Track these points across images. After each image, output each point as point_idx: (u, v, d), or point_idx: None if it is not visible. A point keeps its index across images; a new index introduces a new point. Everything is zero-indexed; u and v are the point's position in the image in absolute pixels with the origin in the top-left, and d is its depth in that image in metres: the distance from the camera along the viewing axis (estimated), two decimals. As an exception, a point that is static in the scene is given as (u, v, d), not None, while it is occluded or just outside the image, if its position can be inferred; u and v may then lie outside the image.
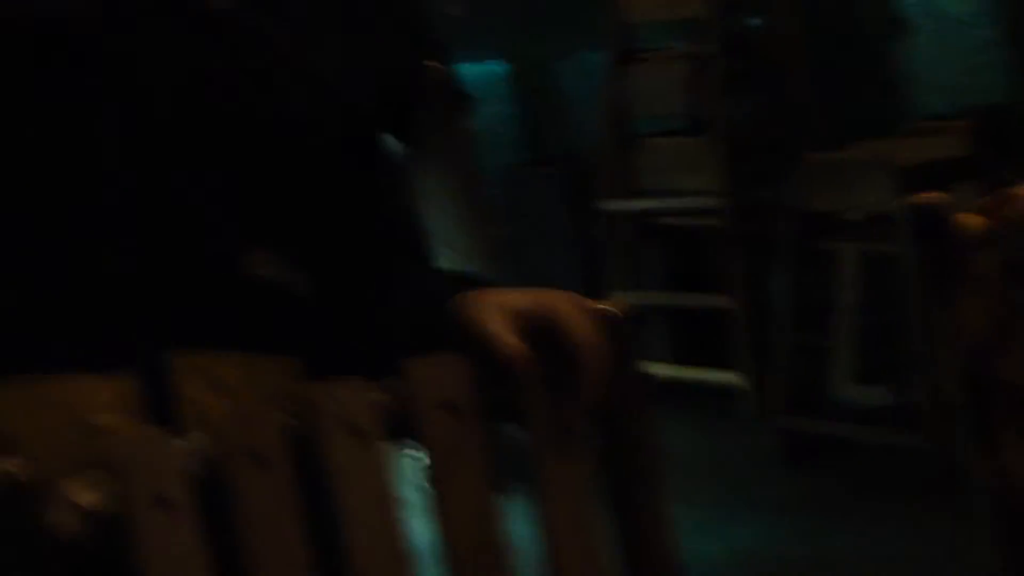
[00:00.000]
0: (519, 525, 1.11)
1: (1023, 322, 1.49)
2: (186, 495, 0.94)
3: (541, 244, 5.48)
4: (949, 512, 3.41)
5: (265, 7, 1.21)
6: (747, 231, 4.59)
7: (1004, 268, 1.48)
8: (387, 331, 1.22)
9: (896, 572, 3.43)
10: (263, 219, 1.20)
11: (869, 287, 4.33)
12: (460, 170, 4.73)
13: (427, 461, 1.10)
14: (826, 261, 4.40)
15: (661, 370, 4.58)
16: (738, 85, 4.79)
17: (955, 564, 3.29)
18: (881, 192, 3.90)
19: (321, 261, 1.22)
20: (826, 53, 4.96)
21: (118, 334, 1.12)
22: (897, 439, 4.05)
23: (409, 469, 1.16)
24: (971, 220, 1.46)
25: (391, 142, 1.33)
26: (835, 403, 4.36)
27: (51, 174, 1.14)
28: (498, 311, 1.10)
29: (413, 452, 1.11)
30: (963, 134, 4.12)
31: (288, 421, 1.01)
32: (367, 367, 1.08)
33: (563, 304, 1.12)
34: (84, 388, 1.06)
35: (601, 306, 1.12)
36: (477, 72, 5.77)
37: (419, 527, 1.07)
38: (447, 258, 1.52)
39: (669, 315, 4.98)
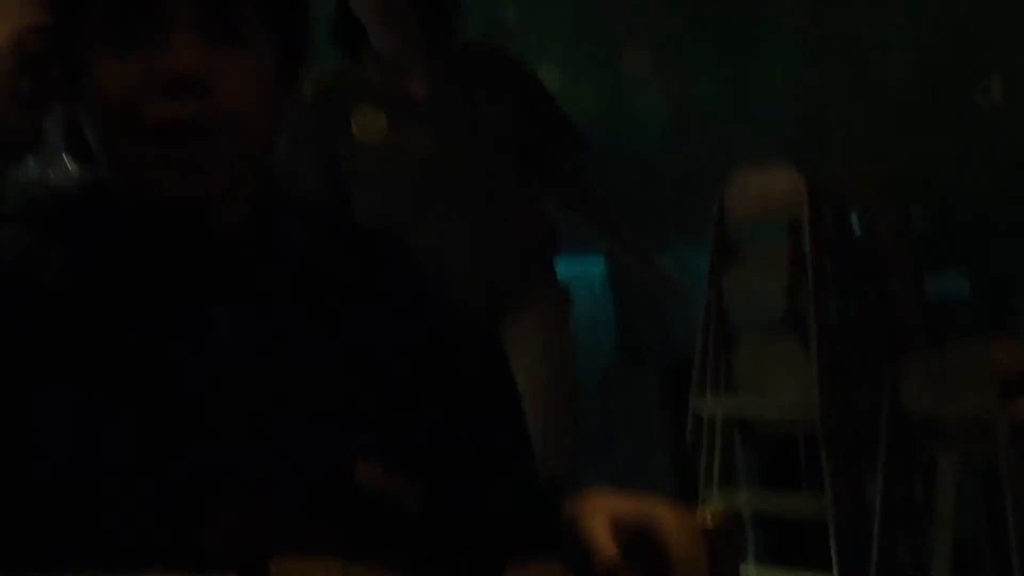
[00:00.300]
0: None
1: None
2: None
3: (635, 442, 5.60)
4: None
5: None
6: (844, 435, 4.55)
7: None
8: (490, 539, 1.25)
9: None
10: (375, 431, 1.25)
11: (968, 495, 4.35)
12: (553, 366, 4.50)
13: None
14: (925, 468, 4.40)
15: (751, 571, 4.63)
16: (838, 286, 4.82)
17: None
18: (982, 398, 3.87)
19: (429, 472, 1.26)
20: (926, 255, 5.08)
21: (224, 538, 1.15)
22: None
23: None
24: None
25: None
26: None
27: (172, 368, 1.20)
28: (601, 516, 1.14)
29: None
30: None
31: None
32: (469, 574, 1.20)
33: (666, 516, 1.15)
34: None
35: (704, 517, 1.18)
36: (574, 270, 5.92)
37: None
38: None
39: (760, 516, 4.95)
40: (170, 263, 1.25)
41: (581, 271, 6.18)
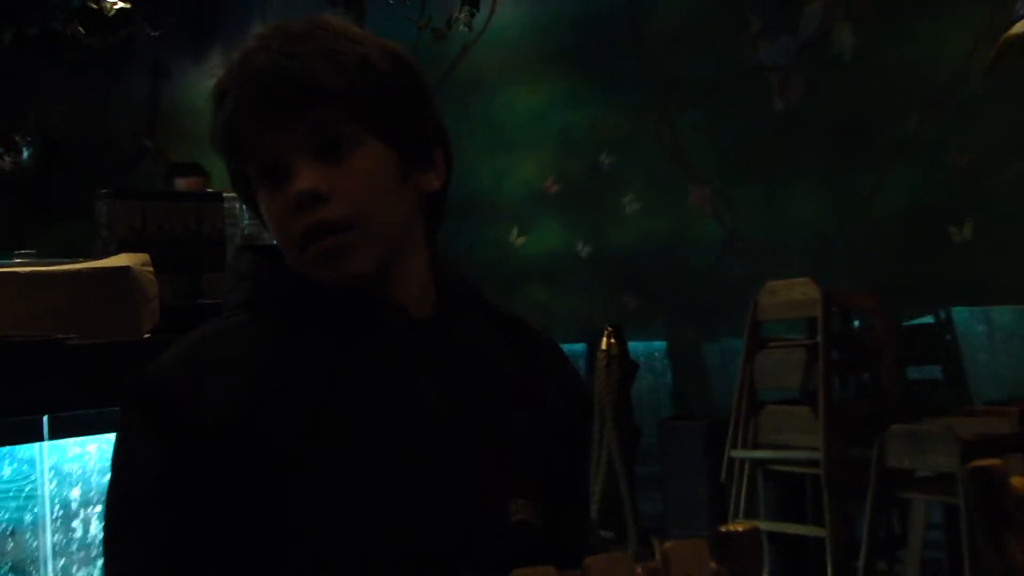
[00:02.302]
0: None
1: None
2: None
3: (683, 480, 5.85)
4: None
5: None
6: (841, 480, 4.85)
7: None
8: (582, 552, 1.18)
9: None
10: (524, 478, 1.32)
11: (934, 530, 4.59)
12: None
13: None
14: (902, 507, 4.72)
15: None
16: (841, 370, 5.14)
17: None
18: (948, 457, 4.12)
19: (557, 504, 1.34)
20: (909, 351, 5.35)
21: (424, 563, 1.21)
22: None
23: None
24: (1019, 482, 1.50)
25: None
26: None
27: (379, 442, 1.24)
28: None
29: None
30: (1013, 416, 4.37)
31: None
32: None
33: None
34: None
35: (736, 528, 1.11)
36: (644, 348, 6.46)
37: None
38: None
39: (775, 538, 5.23)
40: (383, 345, 1.28)
41: (648, 348, 6.62)
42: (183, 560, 1.17)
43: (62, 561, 3.50)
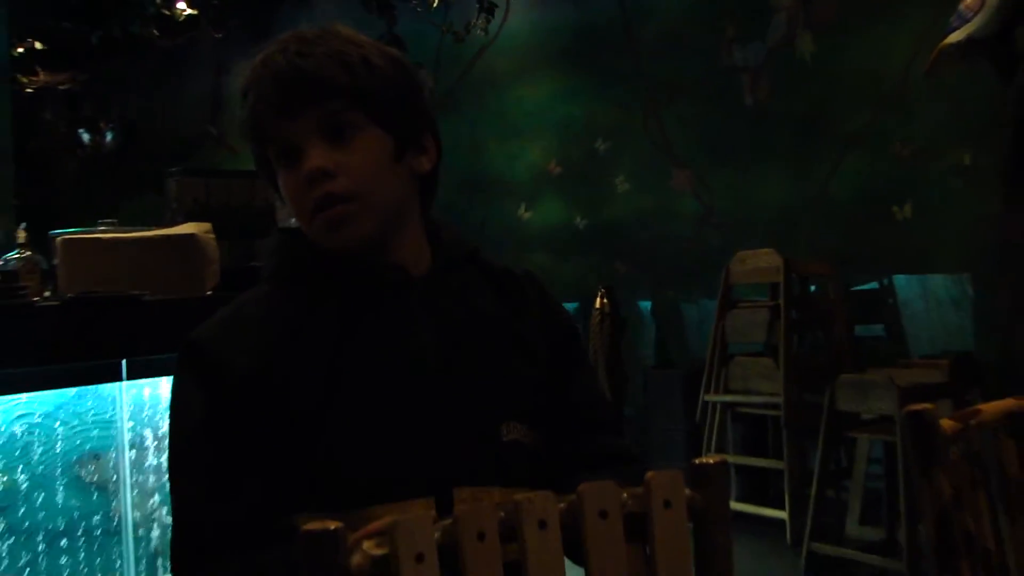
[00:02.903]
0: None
1: (976, 491, 1.56)
2: (433, 554, 0.94)
3: (663, 420, 5.83)
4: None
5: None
6: (797, 421, 4.85)
7: (966, 455, 1.55)
8: (581, 471, 1.26)
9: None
10: (519, 402, 1.30)
11: (876, 462, 4.60)
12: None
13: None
14: (848, 444, 4.71)
15: (733, 505, 4.75)
16: (799, 327, 5.10)
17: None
18: (888, 402, 4.12)
19: (547, 426, 1.32)
20: (857, 312, 5.35)
21: (428, 480, 1.21)
22: (887, 565, 4.16)
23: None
24: (947, 424, 1.51)
25: None
26: (847, 537, 4.53)
27: (409, 364, 1.24)
28: None
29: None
30: (943, 367, 4.34)
31: (502, 516, 0.99)
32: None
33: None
34: (409, 507, 1.16)
35: (709, 460, 1.11)
36: (633, 308, 6.43)
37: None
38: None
39: (741, 470, 5.21)
40: (385, 298, 1.28)
41: (635, 307, 6.52)
42: (230, 484, 1.19)
43: (137, 479, 3.56)
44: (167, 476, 1.24)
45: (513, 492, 1.13)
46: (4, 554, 3.33)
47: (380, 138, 1.26)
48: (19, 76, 8.08)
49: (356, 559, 0.94)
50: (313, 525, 0.92)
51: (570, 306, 6.05)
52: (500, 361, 1.30)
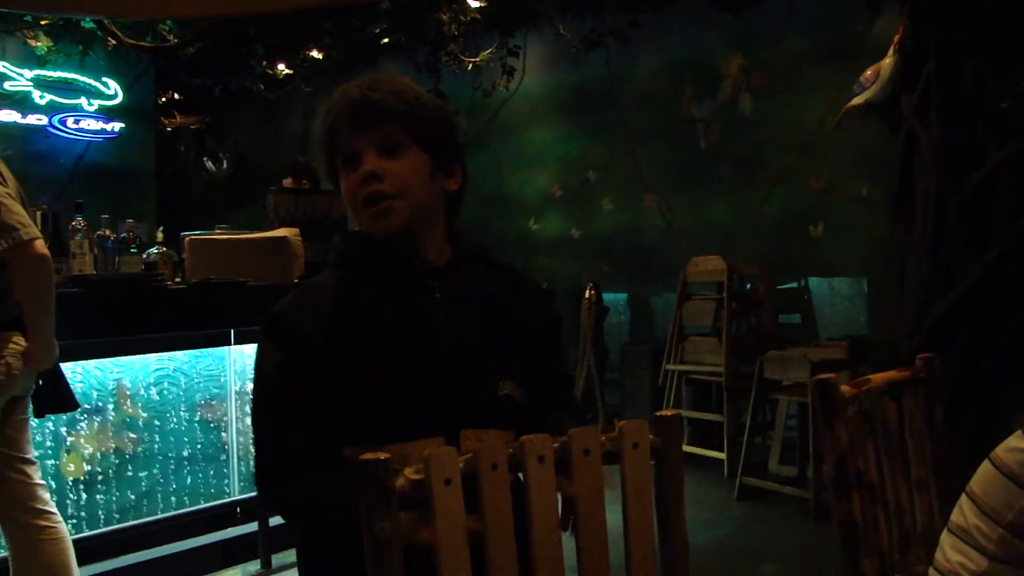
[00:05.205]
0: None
1: (866, 440, 1.53)
2: (458, 479, 0.93)
3: (634, 383, 5.70)
4: (819, 531, 3.71)
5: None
6: (734, 386, 4.78)
7: (859, 414, 1.53)
8: (558, 421, 1.23)
9: (786, 544, 3.52)
10: (511, 366, 1.25)
11: (792, 417, 4.54)
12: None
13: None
14: (772, 404, 4.66)
15: (685, 448, 4.63)
16: (737, 315, 5.03)
17: (816, 556, 3.46)
18: (802, 372, 4.09)
19: (531, 384, 1.27)
20: (780, 304, 5.22)
21: (442, 423, 1.17)
22: (798, 494, 4.11)
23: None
24: (845, 389, 1.50)
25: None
26: (769, 473, 4.46)
27: (424, 334, 1.20)
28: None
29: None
30: (843, 347, 4.28)
31: (509, 452, 0.98)
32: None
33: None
34: (427, 444, 1.11)
35: (667, 414, 1.10)
36: (613, 298, 6.31)
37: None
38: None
39: (692, 421, 5.11)
40: (411, 282, 1.24)
41: (615, 297, 6.43)
42: (298, 421, 1.16)
43: (240, 424, 3.59)
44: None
45: (505, 434, 1.18)
46: (144, 470, 3.37)
47: (421, 157, 1.23)
48: (162, 118, 8.26)
49: (399, 481, 0.92)
50: (368, 455, 0.90)
51: (566, 297, 5.99)
52: (499, 334, 1.25)
